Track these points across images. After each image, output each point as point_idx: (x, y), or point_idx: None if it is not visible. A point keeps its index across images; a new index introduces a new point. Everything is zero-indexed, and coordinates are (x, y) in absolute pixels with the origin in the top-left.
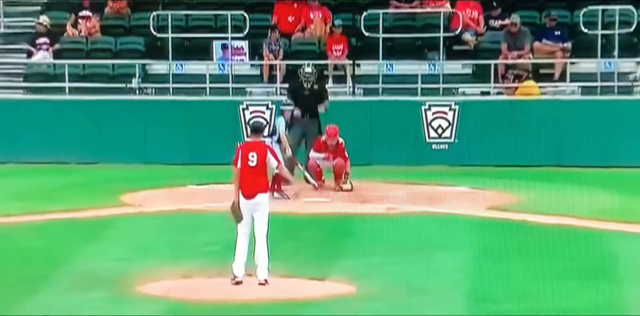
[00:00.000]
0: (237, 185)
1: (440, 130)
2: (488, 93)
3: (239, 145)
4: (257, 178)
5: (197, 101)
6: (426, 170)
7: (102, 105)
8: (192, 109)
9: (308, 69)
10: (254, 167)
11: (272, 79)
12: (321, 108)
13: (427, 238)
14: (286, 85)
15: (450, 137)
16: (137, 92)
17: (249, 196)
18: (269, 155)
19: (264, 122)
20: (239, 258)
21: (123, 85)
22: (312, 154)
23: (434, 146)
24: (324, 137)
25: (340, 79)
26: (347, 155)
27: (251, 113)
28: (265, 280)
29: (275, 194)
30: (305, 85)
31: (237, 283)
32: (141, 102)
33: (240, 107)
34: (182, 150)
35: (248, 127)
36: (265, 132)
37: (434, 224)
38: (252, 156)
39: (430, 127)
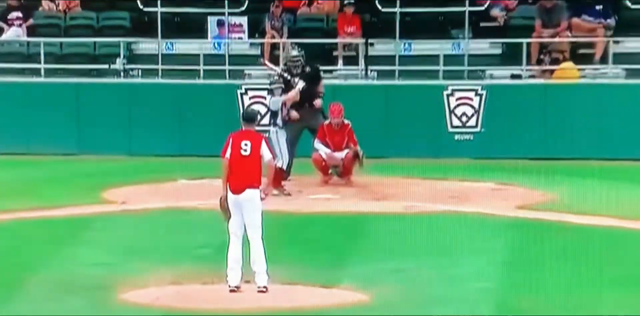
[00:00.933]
0: (226, 178)
1: (464, 118)
2: (519, 76)
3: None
4: (249, 171)
5: (190, 85)
6: (448, 164)
7: (81, 89)
8: (184, 94)
9: (294, 52)
10: (246, 157)
11: (274, 60)
12: (318, 103)
13: (449, 241)
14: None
15: (476, 126)
16: (122, 74)
17: (237, 191)
18: (264, 145)
19: (259, 110)
20: (231, 264)
21: (106, 66)
22: (317, 145)
23: (457, 136)
24: (327, 121)
25: (351, 60)
26: (355, 139)
27: (251, 98)
28: (265, 287)
29: (274, 191)
30: (294, 71)
31: (233, 291)
32: (126, 86)
33: (238, 91)
34: (172, 140)
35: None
36: (267, 120)
37: (458, 225)
38: (246, 145)
39: (453, 115)
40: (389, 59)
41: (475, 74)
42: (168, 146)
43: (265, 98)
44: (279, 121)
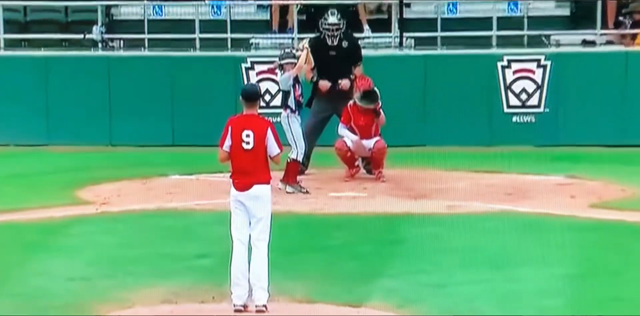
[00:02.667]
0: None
1: (524, 96)
2: (593, 43)
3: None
4: (253, 166)
5: (183, 58)
6: (503, 153)
7: (51, 63)
8: (176, 70)
9: (332, 19)
10: (249, 152)
11: (284, 27)
12: (346, 84)
13: (503, 249)
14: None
15: (539, 105)
16: (100, 45)
17: (242, 187)
18: (270, 135)
19: (267, 88)
20: (235, 278)
21: (80, 36)
22: (341, 130)
23: (515, 118)
24: (352, 101)
25: (382, 25)
26: (382, 112)
27: (258, 74)
28: (265, 306)
29: (289, 188)
30: (329, 42)
31: (239, 310)
32: (105, 60)
33: (243, 65)
34: (161, 127)
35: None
36: (278, 101)
37: (515, 228)
38: (248, 136)
39: (510, 92)
40: (429, 23)
41: (537, 40)
42: (157, 134)
43: (275, 72)
44: (291, 103)
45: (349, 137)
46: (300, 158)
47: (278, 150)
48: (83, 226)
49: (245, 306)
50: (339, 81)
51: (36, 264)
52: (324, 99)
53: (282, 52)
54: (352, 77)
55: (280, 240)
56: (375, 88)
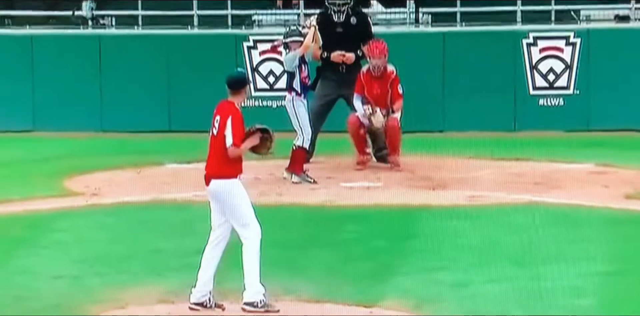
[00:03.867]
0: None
1: (552, 77)
2: (627, 18)
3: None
4: (213, 154)
5: (180, 36)
6: (530, 138)
7: (37, 42)
8: (172, 49)
9: None
10: (214, 138)
11: (289, 2)
12: (350, 58)
13: (530, 244)
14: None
15: (568, 87)
16: (90, 22)
17: (206, 181)
18: (228, 123)
19: (245, 73)
20: (200, 266)
21: (68, 13)
22: (356, 102)
23: (541, 101)
24: (365, 67)
25: (396, 0)
26: (400, 91)
27: (261, 54)
28: (247, 304)
29: (295, 177)
30: (336, 18)
31: (193, 309)
32: (95, 39)
33: (245, 44)
34: (156, 111)
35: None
36: (282, 84)
37: (543, 221)
38: (216, 122)
39: (536, 72)
40: None
41: (566, 15)
42: (152, 119)
43: (280, 53)
44: (296, 85)
45: (362, 111)
46: (306, 145)
47: (230, 141)
48: (71, 220)
49: (201, 304)
50: (344, 54)
51: (20, 261)
52: (329, 82)
53: (288, 29)
54: (359, 53)
55: (287, 235)
56: (379, 117)
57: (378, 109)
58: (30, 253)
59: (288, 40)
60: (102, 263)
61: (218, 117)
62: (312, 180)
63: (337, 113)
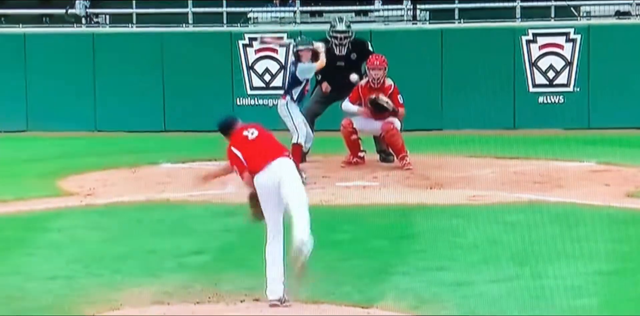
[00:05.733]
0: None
1: (551, 74)
2: (628, 13)
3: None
4: (270, 145)
5: (175, 34)
6: (529, 136)
7: (30, 41)
8: (166, 47)
9: (341, 26)
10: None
11: (285, 0)
12: (354, 78)
13: (531, 243)
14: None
15: (568, 84)
16: (84, 21)
17: (263, 165)
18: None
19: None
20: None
21: (62, 10)
22: (346, 105)
23: (541, 99)
24: (363, 81)
25: None
26: (400, 101)
27: (257, 52)
28: (278, 300)
29: None
30: (337, 51)
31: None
32: (89, 37)
33: (240, 42)
34: (151, 110)
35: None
36: (278, 82)
37: (544, 220)
38: (252, 133)
39: (535, 69)
40: None
41: (565, 11)
42: (147, 119)
43: (276, 51)
44: (296, 93)
45: (352, 112)
46: (302, 141)
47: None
48: (66, 220)
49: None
50: (350, 76)
51: (14, 262)
52: (321, 95)
53: (298, 38)
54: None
55: (283, 235)
56: (383, 98)
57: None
58: (24, 253)
59: (301, 48)
60: (97, 263)
61: (254, 130)
62: (304, 179)
63: (334, 113)
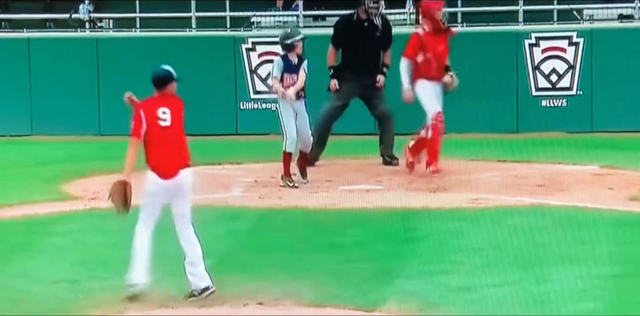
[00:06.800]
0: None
1: (554, 77)
2: (631, 17)
3: None
4: (178, 145)
5: (178, 38)
6: (532, 140)
7: (34, 45)
8: (170, 51)
9: None
10: (167, 129)
11: (289, 4)
12: (387, 60)
13: (535, 247)
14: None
15: (571, 87)
16: (88, 25)
17: (169, 174)
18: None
19: (169, 71)
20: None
21: (65, 15)
22: (403, 67)
23: (544, 102)
24: (419, 30)
25: (395, 0)
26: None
27: (260, 56)
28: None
29: (281, 181)
30: (374, 21)
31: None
32: (92, 42)
33: (243, 46)
34: None
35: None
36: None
37: (547, 224)
38: (163, 113)
39: (538, 72)
40: None
41: (568, 14)
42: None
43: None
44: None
45: (403, 79)
46: (289, 150)
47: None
48: (70, 224)
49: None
50: (377, 78)
51: (18, 265)
52: (349, 82)
53: (290, 30)
54: (385, 70)
55: (287, 238)
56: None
57: (451, 73)
58: (29, 257)
59: (297, 38)
60: (101, 267)
61: (167, 109)
62: (291, 185)
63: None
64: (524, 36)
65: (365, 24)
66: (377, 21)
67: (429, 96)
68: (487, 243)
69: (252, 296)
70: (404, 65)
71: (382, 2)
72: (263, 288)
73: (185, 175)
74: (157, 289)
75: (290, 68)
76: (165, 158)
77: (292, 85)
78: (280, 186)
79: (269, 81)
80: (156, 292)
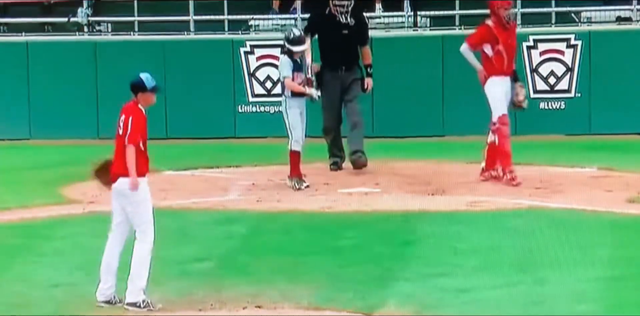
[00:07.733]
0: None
1: (552, 80)
2: (629, 19)
3: None
4: (122, 154)
5: (176, 42)
6: (530, 142)
7: (33, 49)
8: (169, 54)
9: None
10: (119, 137)
11: (286, 7)
12: (366, 59)
13: (533, 249)
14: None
15: (569, 90)
16: (86, 29)
17: (112, 179)
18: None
19: (142, 79)
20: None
21: (64, 19)
22: (465, 51)
23: (542, 104)
24: (488, 21)
25: (393, 3)
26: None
27: (258, 59)
28: (136, 304)
29: (287, 181)
30: (339, 18)
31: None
32: (91, 45)
33: (242, 49)
34: (153, 118)
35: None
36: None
37: (545, 226)
38: (121, 121)
39: (536, 75)
40: (445, 0)
41: (566, 17)
42: (149, 126)
43: (277, 58)
44: (287, 90)
45: (471, 62)
46: (296, 148)
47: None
48: (69, 227)
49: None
50: (366, 83)
51: (17, 269)
52: (330, 86)
53: (292, 34)
54: (369, 70)
55: (285, 241)
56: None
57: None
58: (28, 261)
59: (302, 49)
60: (99, 271)
61: (123, 117)
62: (297, 187)
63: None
64: (522, 39)
65: (337, 19)
66: (347, 19)
67: (497, 98)
68: (485, 246)
69: (251, 299)
70: (467, 51)
71: (352, 1)
72: (261, 292)
73: (122, 183)
74: (155, 293)
75: (296, 66)
76: (113, 164)
77: (301, 83)
78: (288, 186)
79: (285, 80)
80: (154, 296)
